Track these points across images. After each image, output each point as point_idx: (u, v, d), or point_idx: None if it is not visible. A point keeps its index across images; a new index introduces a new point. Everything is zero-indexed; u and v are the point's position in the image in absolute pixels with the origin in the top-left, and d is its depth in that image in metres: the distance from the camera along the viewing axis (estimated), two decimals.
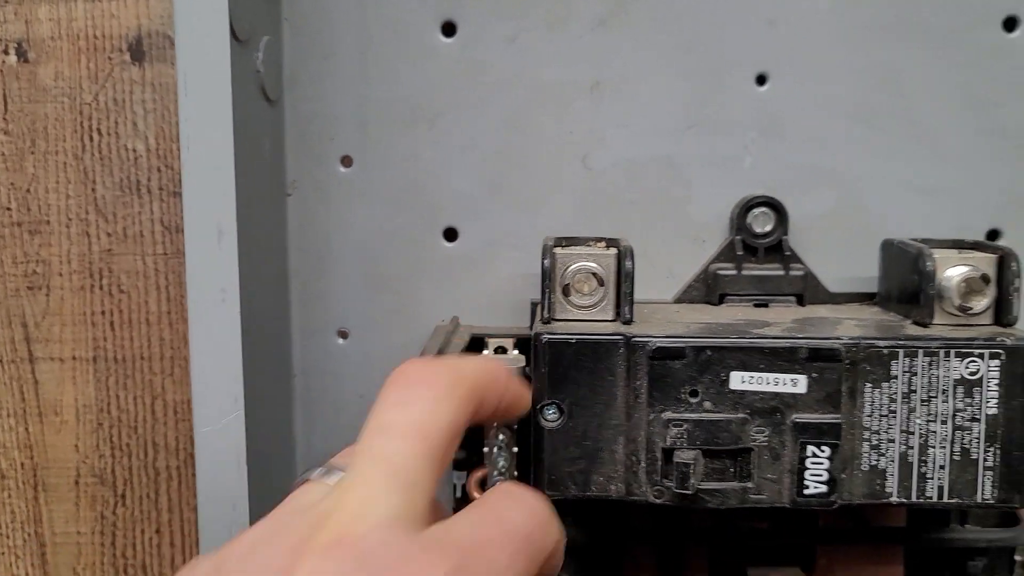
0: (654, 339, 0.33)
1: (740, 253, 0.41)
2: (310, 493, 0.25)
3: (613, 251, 0.36)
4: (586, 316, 0.36)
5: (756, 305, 0.41)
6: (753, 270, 0.41)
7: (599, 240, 0.37)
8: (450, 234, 0.43)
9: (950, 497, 0.34)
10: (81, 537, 0.51)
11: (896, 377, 0.33)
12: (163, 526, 0.50)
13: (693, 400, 0.33)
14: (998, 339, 0.33)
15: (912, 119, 0.41)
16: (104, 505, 0.50)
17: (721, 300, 0.41)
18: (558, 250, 0.36)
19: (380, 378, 0.43)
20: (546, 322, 0.36)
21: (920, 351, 0.33)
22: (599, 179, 0.42)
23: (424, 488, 0.24)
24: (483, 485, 0.42)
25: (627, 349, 0.33)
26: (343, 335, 0.44)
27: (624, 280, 0.35)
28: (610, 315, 0.36)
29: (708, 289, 0.42)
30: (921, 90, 0.41)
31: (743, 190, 0.42)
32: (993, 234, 0.42)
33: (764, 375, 0.33)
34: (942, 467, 0.33)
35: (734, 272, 0.41)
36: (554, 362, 0.34)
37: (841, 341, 0.33)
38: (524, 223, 0.42)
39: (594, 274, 0.36)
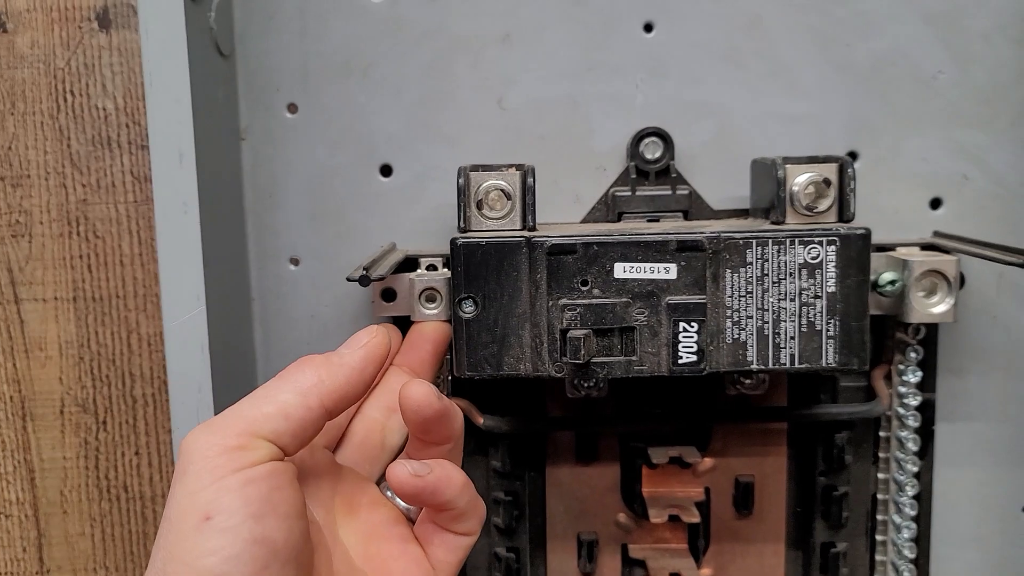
0: (551, 238, 0.40)
1: (634, 177, 0.48)
2: None
3: (518, 172, 0.42)
4: (498, 227, 0.42)
5: (649, 220, 0.48)
6: (646, 191, 0.48)
7: (509, 166, 0.43)
8: (385, 170, 0.49)
9: (800, 363, 0.40)
10: (67, 462, 0.56)
11: (751, 263, 0.40)
12: (141, 448, 0.56)
13: (584, 288, 0.40)
14: (834, 229, 0.40)
15: (775, 58, 0.48)
16: (87, 431, 0.56)
17: (620, 218, 0.48)
18: (472, 172, 0.42)
19: (329, 299, 0.49)
20: (463, 231, 0.42)
21: (770, 240, 0.40)
22: (513, 118, 0.49)
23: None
24: None
25: (529, 248, 0.40)
26: (295, 262, 0.50)
27: (527, 193, 0.42)
28: (518, 225, 0.42)
29: (608, 210, 0.48)
30: (782, 33, 0.48)
31: (636, 124, 0.48)
32: (852, 155, 0.49)
33: (642, 265, 0.40)
34: (792, 337, 0.40)
35: (629, 193, 0.48)
36: (468, 262, 0.40)
37: (704, 234, 0.40)
38: (449, 158, 0.49)
39: (502, 190, 0.42)
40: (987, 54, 0.48)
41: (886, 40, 0.48)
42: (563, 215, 0.49)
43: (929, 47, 0.48)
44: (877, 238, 0.47)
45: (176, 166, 0.38)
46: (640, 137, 0.48)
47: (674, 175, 0.48)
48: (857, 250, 0.40)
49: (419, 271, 0.47)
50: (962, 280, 0.48)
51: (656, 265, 0.40)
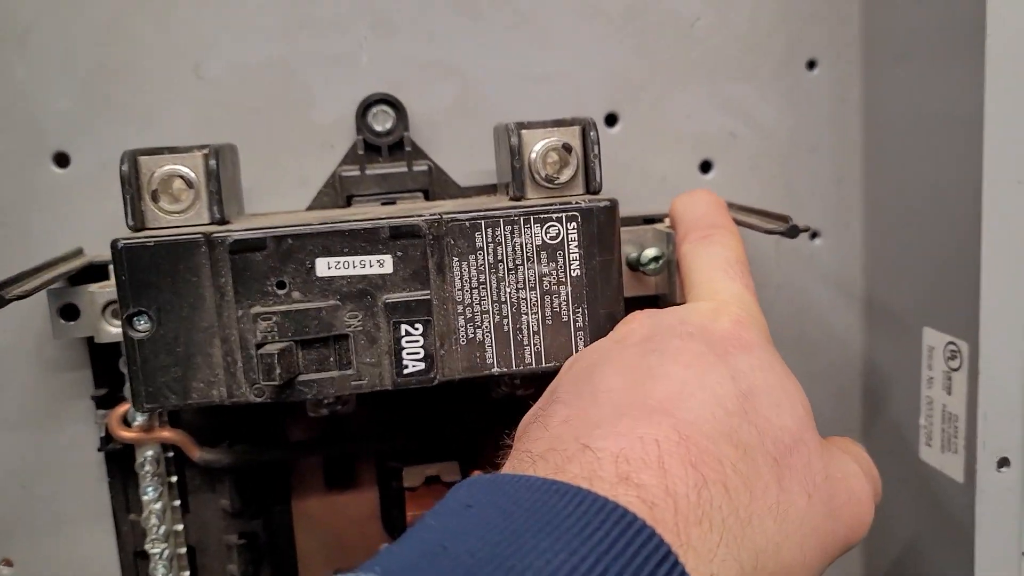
0: (233, 233, 0.32)
1: (361, 152, 0.41)
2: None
3: (201, 153, 0.35)
4: (181, 222, 0.34)
5: (384, 203, 0.41)
6: (378, 169, 0.41)
7: (191, 148, 0.35)
8: (60, 159, 0.40)
9: (547, 361, 0.34)
10: None
11: (482, 248, 0.34)
12: None
13: (281, 292, 0.33)
14: (573, 202, 0.34)
15: (516, 8, 0.42)
16: None
17: (349, 202, 0.41)
18: (142, 157, 0.34)
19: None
20: (137, 231, 0.34)
21: (501, 220, 0.34)
22: (214, 89, 0.41)
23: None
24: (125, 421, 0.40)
25: (208, 247, 0.32)
26: None
27: (210, 180, 0.34)
28: (206, 219, 0.34)
29: (337, 193, 0.41)
30: None
31: (365, 90, 0.41)
32: (611, 118, 0.43)
33: (349, 259, 0.33)
34: (536, 332, 0.34)
35: (358, 173, 0.41)
36: (134, 268, 0.32)
37: (422, 217, 0.33)
38: (140, 142, 0.40)
39: (182, 177, 0.34)
40: None
41: None
42: (287, 202, 0.42)
43: None
44: (646, 209, 0.42)
45: None
46: (367, 106, 0.41)
47: (409, 148, 0.41)
48: (601, 225, 0.34)
49: (105, 282, 0.38)
50: None
51: (367, 258, 0.33)
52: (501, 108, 0.42)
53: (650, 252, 0.39)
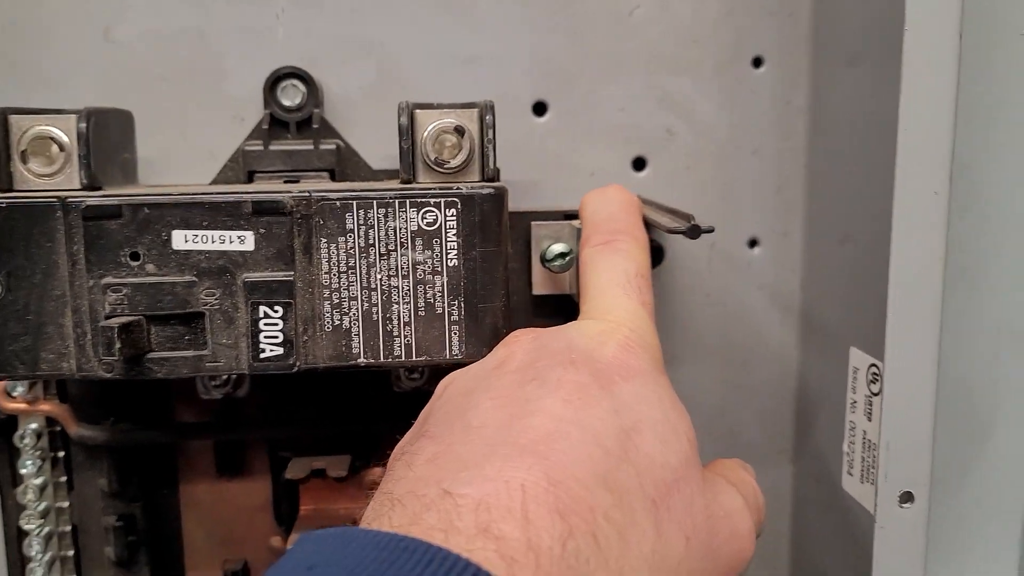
0: (88, 198, 0.31)
1: (266, 127, 0.39)
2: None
3: (75, 115, 0.33)
4: (50, 186, 0.33)
5: (287, 181, 0.39)
6: (282, 145, 0.39)
7: (61, 111, 0.33)
8: None
9: (418, 355, 0.32)
10: None
11: (352, 230, 0.32)
12: None
13: (135, 263, 0.31)
14: (455, 188, 0.32)
15: None
16: None
17: (251, 178, 0.39)
18: (13, 116, 0.33)
19: None
20: (4, 192, 0.32)
21: (375, 202, 0.31)
22: (124, 54, 0.39)
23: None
24: None
25: (63, 212, 0.31)
26: None
27: (80, 142, 0.33)
28: (76, 184, 0.33)
29: (240, 168, 0.40)
30: None
31: (279, 63, 0.39)
32: (540, 106, 0.41)
33: (208, 232, 0.31)
34: (407, 324, 0.32)
35: (262, 148, 0.39)
36: None
37: (290, 194, 0.31)
38: (45, 104, 0.39)
39: (52, 138, 0.33)
40: None
41: None
42: (194, 175, 0.40)
43: None
44: (573, 205, 0.40)
45: None
46: (276, 79, 0.39)
47: (317, 126, 0.39)
48: (484, 214, 0.32)
49: None
50: (659, 253, 0.41)
51: (228, 233, 0.31)
52: (422, 90, 0.40)
53: (556, 248, 0.37)
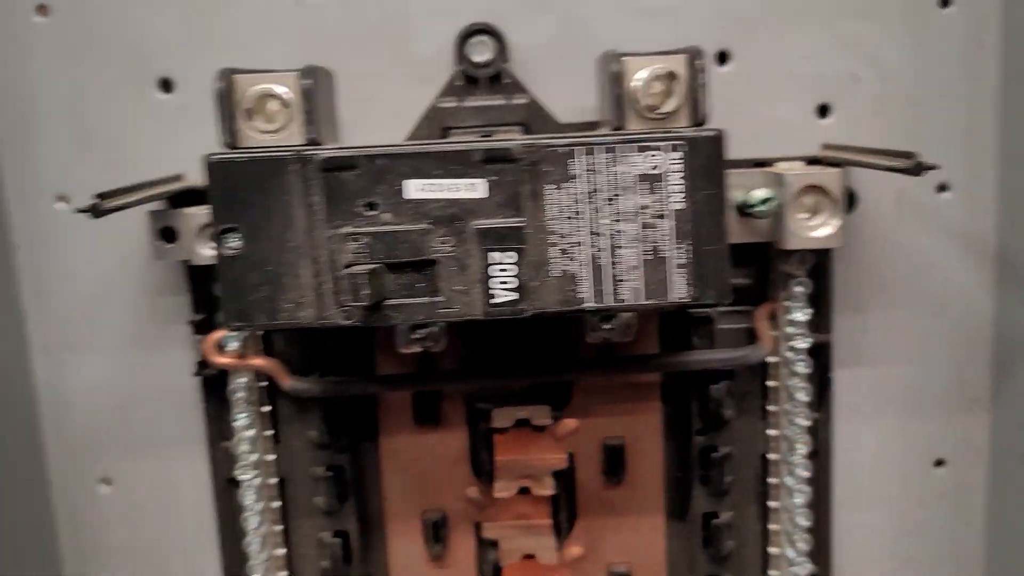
0: (324, 151, 0.32)
1: (459, 84, 0.40)
2: None
3: (295, 73, 0.34)
4: (274, 142, 0.34)
5: (481, 136, 0.40)
6: (475, 102, 0.40)
7: (286, 70, 0.35)
8: (165, 85, 0.41)
9: (646, 299, 0.33)
10: None
11: (577, 177, 0.32)
12: None
13: (371, 213, 0.32)
14: (677, 131, 0.32)
15: None
16: None
17: (445, 134, 0.40)
18: (237, 76, 0.34)
19: (108, 243, 0.41)
20: (231, 148, 0.34)
21: (597, 148, 0.32)
22: (314, 16, 0.40)
23: None
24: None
25: (300, 164, 0.32)
26: (63, 200, 0.41)
27: (306, 99, 0.34)
28: (299, 140, 0.34)
29: (433, 126, 0.40)
30: None
31: (464, 21, 0.40)
32: (723, 55, 0.41)
33: (441, 181, 0.32)
34: (633, 268, 0.33)
35: (455, 104, 0.40)
36: (226, 185, 0.32)
37: (516, 142, 0.32)
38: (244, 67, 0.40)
39: (277, 96, 0.34)
40: None
41: None
42: (383, 135, 0.41)
43: None
44: (758, 153, 0.40)
45: None
46: (466, 36, 0.40)
47: (508, 81, 0.40)
48: (707, 157, 0.32)
49: (203, 206, 0.38)
50: (853, 199, 0.41)
51: (458, 181, 0.32)
52: (604, 42, 0.40)
53: (759, 193, 0.37)
